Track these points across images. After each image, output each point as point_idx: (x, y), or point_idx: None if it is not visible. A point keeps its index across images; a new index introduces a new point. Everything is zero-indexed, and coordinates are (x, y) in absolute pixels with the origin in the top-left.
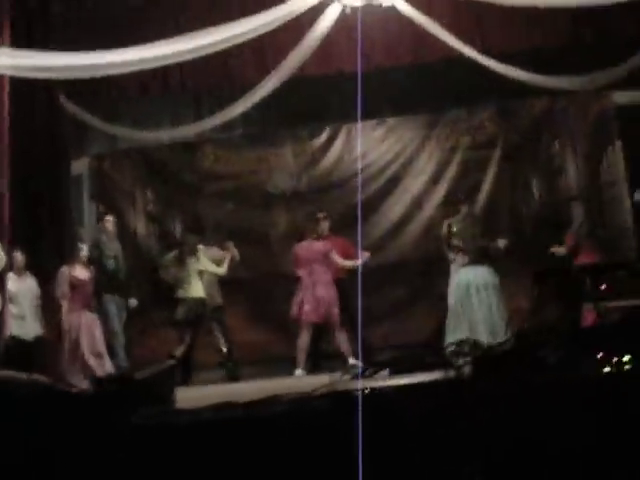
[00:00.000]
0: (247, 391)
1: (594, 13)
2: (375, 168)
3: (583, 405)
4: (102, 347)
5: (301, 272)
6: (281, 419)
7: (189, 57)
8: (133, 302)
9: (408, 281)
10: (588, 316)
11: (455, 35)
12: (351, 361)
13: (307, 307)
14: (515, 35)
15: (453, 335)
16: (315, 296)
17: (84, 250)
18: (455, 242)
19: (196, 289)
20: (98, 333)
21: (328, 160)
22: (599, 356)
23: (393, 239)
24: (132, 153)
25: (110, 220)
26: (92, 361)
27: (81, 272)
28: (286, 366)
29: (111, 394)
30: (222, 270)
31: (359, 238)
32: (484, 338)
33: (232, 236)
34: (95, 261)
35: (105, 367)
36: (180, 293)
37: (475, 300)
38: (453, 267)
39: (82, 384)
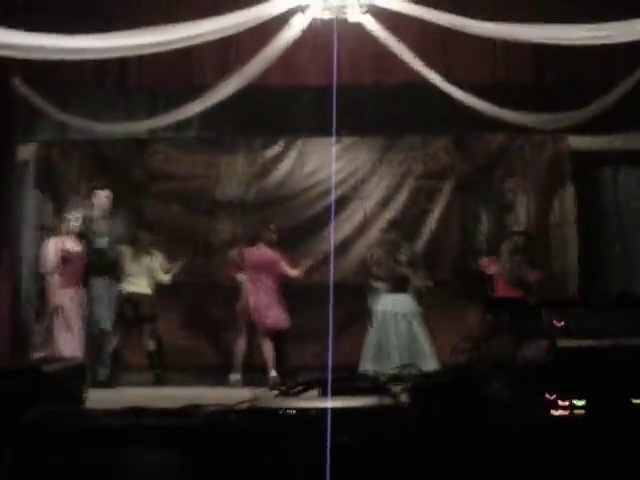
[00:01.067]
0: (170, 397)
1: (559, 54)
2: (326, 186)
3: (524, 447)
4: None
5: (243, 277)
6: (193, 430)
7: (149, 51)
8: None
9: (345, 303)
10: (541, 354)
11: (420, 60)
12: (273, 373)
13: (255, 312)
14: (479, 67)
15: (368, 363)
16: (262, 302)
17: (76, 221)
18: (374, 270)
19: (144, 286)
20: (80, 315)
21: (279, 172)
22: (550, 397)
23: (336, 260)
24: (82, 144)
25: (105, 195)
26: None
27: (72, 244)
28: (217, 374)
29: (15, 387)
30: (167, 279)
31: (331, 247)
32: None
33: (173, 238)
34: (87, 239)
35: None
36: (126, 287)
37: (392, 329)
38: (375, 294)
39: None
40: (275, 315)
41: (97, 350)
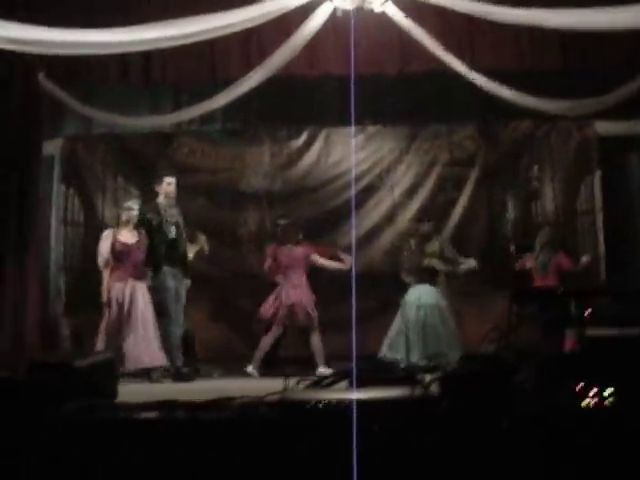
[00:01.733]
0: (200, 390)
1: (585, 40)
2: (350, 176)
3: (556, 437)
4: (152, 329)
5: (278, 277)
6: (227, 424)
7: (172, 44)
8: (187, 282)
9: (375, 293)
10: (568, 343)
11: (444, 48)
12: (321, 369)
13: (281, 310)
14: (504, 54)
15: (387, 351)
16: (291, 298)
17: (134, 212)
18: (406, 264)
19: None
20: (149, 311)
21: (305, 163)
22: (578, 387)
23: (363, 250)
24: (107, 138)
25: (172, 182)
26: (141, 344)
27: (127, 236)
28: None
29: (47, 382)
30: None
31: (353, 240)
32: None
33: (201, 231)
34: (154, 228)
35: (154, 356)
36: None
37: (414, 319)
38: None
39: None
40: (307, 309)
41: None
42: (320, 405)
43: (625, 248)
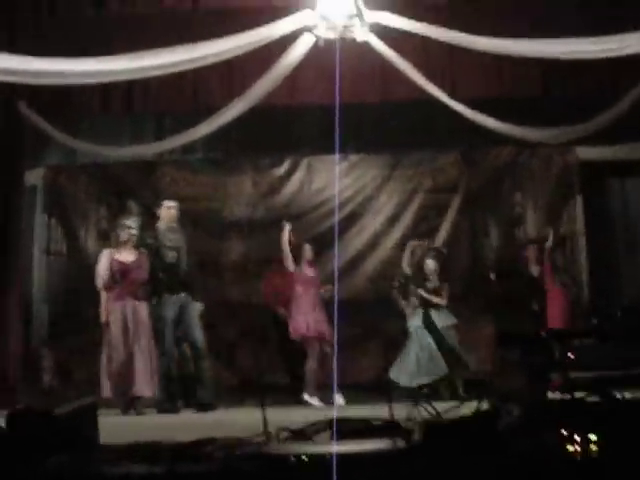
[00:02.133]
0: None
1: (565, 68)
2: (333, 204)
3: None
4: (149, 353)
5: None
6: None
7: (153, 74)
8: (198, 306)
9: (359, 320)
10: (553, 386)
11: (426, 77)
12: (306, 397)
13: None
14: (485, 82)
15: (419, 377)
16: (315, 317)
17: (133, 230)
18: (412, 286)
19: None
20: (150, 333)
21: (287, 191)
22: (564, 433)
23: (347, 276)
24: (89, 168)
25: (172, 207)
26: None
27: (125, 255)
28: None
29: (25, 433)
30: None
31: (335, 265)
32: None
33: None
34: (152, 253)
35: (149, 385)
36: None
37: (425, 343)
38: (408, 311)
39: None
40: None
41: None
42: (300, 458)
43: (607, 271)
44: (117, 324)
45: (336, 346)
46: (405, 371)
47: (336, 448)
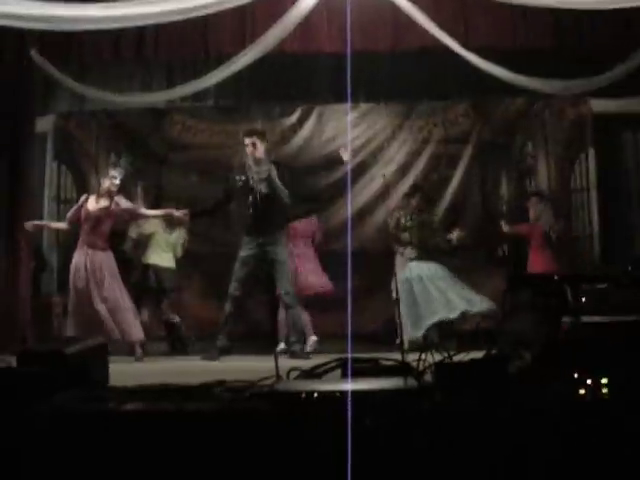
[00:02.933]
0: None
1: (580, 19)
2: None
3: (552, 428)
4: (122, 302)
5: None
6: (216, 414)
7: (165, 19)
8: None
9: (366, 271)
10: (564, 330)
11: (438, 25)
12: (313, 338)
13: (306, 280)
14: (498, 32)
15: (415, 330)
16: (312, 270)
17: (116, 180)
18: (405, 236)
19: (168, 259)
20: (110, 279)
21: (297, 140)
22: (575, 376)
23: (355, 227)
24: (99, 115)
25: (251, 143)
26: (103, 312)
27: (95, 204)
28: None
29: (37, 371)
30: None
31: (349, 217)
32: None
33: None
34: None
35: (126, 328)
36: (151, 259)
37: (432, 289)
38: (399, 260)
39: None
40: (323, 280)
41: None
42: (312, 396)
43: (619, 225)
44: (73, 272)
45: (350, 295)
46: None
47: (350, 386)
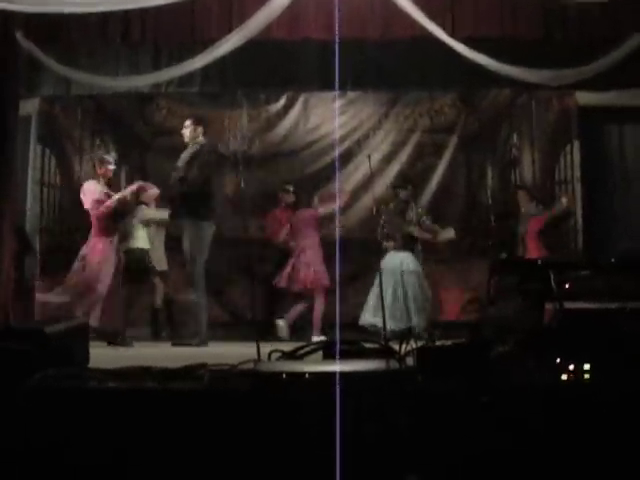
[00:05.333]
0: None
1: (567, 10)
2: (329, 141)
3: (534, 412)
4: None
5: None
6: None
7: (153, 4)
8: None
9: (351, 259)
10: (548, 316)
11: (426, 15)
12: (315, 338)
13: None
14: (486, 22)
15: (370, 317)
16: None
17: (111, 165)
18: (385, 228)
19: (143, 240)
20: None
21: (283, 127)
22: (557, 361)
23: (340, 215)
24: (85, 99)
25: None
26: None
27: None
28: (222, 331)
29: (17, 349)
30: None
31: (337, 204)
32: (395, 323)
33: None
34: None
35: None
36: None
37: (392, 285)
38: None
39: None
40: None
41: None
42: (294, 376)
43: (602, 217)
44: (80, 260)
45: (338, 287)
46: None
47: (337, 367)
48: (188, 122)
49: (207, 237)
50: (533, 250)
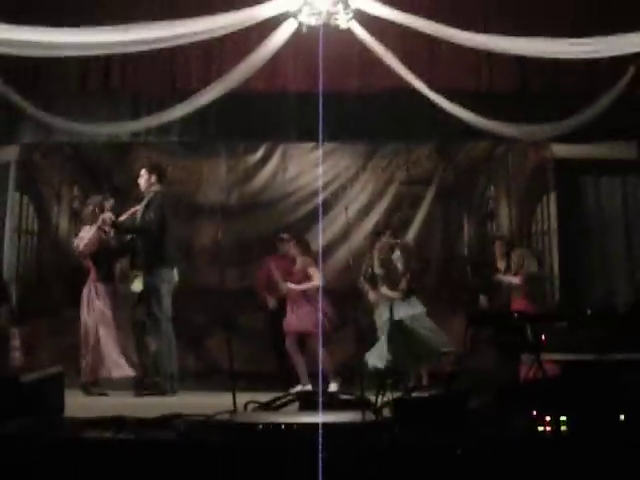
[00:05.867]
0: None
1: (543, 65)
2: (307, 192)
3: (511, 463)
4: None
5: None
6: (171, 445)
7: (133, 49)
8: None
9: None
10: (523, 369)
11: (405, 66)
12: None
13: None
14: (464, 75)
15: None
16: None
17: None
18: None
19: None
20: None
21: (261, 177)
22: (533, 413)
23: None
24: (64, 146)
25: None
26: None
27: (84, 233)
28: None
29: None
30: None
31: (320, 253)
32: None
33: None
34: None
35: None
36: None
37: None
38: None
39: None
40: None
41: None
42: (270, 427)
43: (579, 269)
44: (85, 306)
45: (321, 338)
46: (377, 355)
47: (307, 419)
48: (143, 171)
49: (169, 284)
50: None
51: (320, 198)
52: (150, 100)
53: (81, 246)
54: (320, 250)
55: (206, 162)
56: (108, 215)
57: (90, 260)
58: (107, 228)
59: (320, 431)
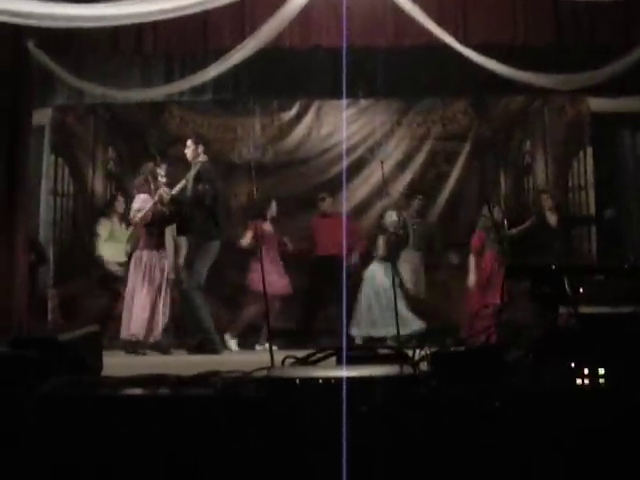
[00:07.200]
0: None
1: (579, 15)
2: (341, 149)
3: (548, 417)
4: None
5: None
6: (210, 400)
7: (166, 17)
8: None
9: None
10: (561, 321)
11: (438, 23)
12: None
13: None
14: (498, 29)
15: (363, 329)
16: (273, 272)
17: (162, 179)
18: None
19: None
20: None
21: (296, 135)
22: (572, 366)
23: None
24: (98, 109)
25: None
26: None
27: (138, 204)
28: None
29: (30, 357)
30: None
31: (344, 213)
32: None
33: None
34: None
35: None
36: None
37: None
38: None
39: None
40: (284, 283)
41: None
42: (308, 382)
43: (615, 223)
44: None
45: (344, 295)
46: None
47: (345, 373)
48: (189, 142)
49: (211, 255)
50: None
51: (344, 153)
52: (183, 60)
53: (137, 218)
54: (344, 213)
55: (240, 120)
56: (166, 191)
57: (142, 228)
58: (163, 201)
59: (344, 386)
